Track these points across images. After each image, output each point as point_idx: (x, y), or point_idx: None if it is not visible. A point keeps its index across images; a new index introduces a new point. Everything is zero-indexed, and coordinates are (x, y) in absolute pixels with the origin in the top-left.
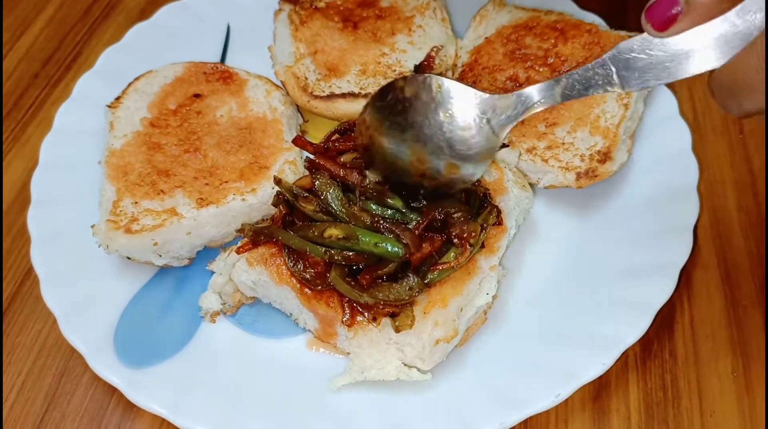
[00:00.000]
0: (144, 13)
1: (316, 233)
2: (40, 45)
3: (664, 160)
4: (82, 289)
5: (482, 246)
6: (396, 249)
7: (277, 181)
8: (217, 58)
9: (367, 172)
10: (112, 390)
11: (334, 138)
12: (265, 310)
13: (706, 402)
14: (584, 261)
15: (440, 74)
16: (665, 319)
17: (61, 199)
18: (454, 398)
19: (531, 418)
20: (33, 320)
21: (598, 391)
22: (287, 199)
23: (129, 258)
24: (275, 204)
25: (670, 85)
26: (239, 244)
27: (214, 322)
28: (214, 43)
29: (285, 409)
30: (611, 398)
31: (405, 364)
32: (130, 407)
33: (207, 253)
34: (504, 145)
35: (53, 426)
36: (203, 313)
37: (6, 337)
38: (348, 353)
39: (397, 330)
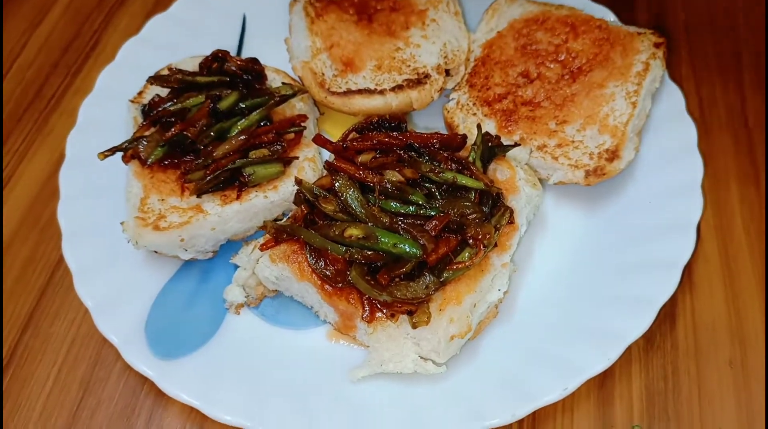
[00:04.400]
0: (159, 2)
1: (336, 232)
2: (58, 33)
3: (670, 158)
4: (112, 283)
5: (494, 244)
6: (414, 250)
7: (298, 182)
8: (234, 50)
9: (386, 172)
10: (144, 377)
11: (351, 137)
12: (287, 303)
13: (704, 391)
14: (591, 257)
15: (452, 69)
16: (668, 312)
17: (89, 193)
18: (467, 390)
19: None
20: (66, 310)
21: (602, 380)
22: (308, 199)
23: (156, 251)
24: (296, 203)
25: (677, 82)
26: (262, 240)
27: (239, 313)
28: (231, 34)
29: (307, 397)
30: (615, 387)
31: (421, 357)
32: (161, 393)
33: (230, 245)
34: (516, 144)
35: (90, 412)
36: (228, 305)
37: (40, 327)
38: (367, 345)
39: (414, 326)
